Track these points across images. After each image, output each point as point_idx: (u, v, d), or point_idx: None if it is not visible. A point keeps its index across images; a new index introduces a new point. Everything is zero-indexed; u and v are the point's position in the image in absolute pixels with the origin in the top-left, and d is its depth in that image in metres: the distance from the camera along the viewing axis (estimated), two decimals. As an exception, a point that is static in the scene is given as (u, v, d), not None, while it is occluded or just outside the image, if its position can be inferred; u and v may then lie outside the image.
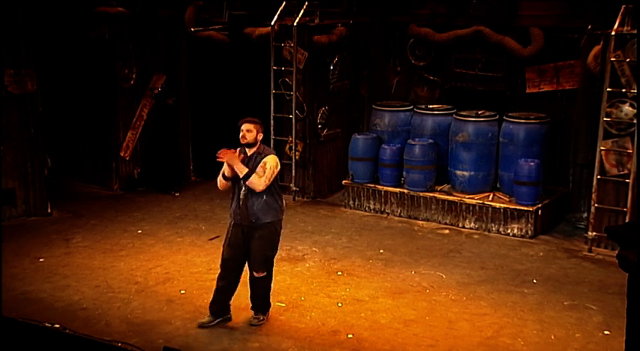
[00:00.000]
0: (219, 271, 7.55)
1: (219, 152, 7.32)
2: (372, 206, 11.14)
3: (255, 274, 7.48)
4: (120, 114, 12.00)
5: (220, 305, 7.59)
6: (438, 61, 11.61)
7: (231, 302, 7.64)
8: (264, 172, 7.24)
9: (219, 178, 7.45)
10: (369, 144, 11.17)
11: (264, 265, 7.45)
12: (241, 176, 7.23)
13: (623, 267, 4.54)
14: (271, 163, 7.32)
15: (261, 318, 7.61)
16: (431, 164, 10.77)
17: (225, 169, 7.35)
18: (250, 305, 7.67)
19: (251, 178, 7.20)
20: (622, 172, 9.43)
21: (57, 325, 7.36)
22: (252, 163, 7.31)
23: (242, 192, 7.32)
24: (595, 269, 9.11)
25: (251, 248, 7.39)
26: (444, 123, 10.93)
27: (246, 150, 7.38)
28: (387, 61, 12.05)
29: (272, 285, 7.68)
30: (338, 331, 7.50)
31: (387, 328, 7.56)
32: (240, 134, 7.34)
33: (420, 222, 10.70)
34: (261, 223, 7.32)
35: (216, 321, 7.56)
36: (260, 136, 7.38)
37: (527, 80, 10.95)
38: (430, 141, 10.81)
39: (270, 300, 7.71)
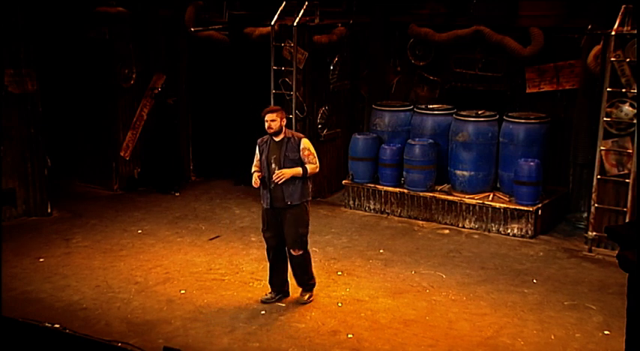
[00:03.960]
0: (266, 253, 8.11)
1: (255, 184, 7.85)
2: (372, 206, 11.14)
3: (292, 252, 7.92)
4: (120, 114, 12.00)
5: (279, 282, 8.13)
6: (438, 61, 11.62)
7: (288, 279, 8.16)
8: (312, 156, 7.86)
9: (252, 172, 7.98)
10: (369, 144, 11.17)
11: (299, 242, 7.90)
12: (301, 176, 7.77)
13: (623, 267, 4.55)
14: (310, 146, 7.91)
15: (308, 295, 8.10)
16: (431, 164, 10.77)
17: (255, 178, 7.85)
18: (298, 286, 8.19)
19: (309, 170, 7.82)
20: (622, 172, 9.43)
21: (57, 325, 7.36)
22: (284, 147, 7.79)
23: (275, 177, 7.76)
24: (595, 269, 9.11)
25: (284, 227, 7.88)
26: (444, 123, 10.93)
27: (274, 138, 7.83)
28: (387, 61, 12.05)
29: (312, 263, 8.14)
30: (338, 331, 7.50)
31: (387, 328, 7.56)
32: (266, 125, 7.79)
33: (420, 222, 10.70)
34: (295, 204, 7.79)
35: (277, 297, 8.11)
36: (284, 122, 7.85)
37: (527, 80, 10.94)
38: (430, 141, 10.81)
39: (314, 278, 8.20)
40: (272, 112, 7.81)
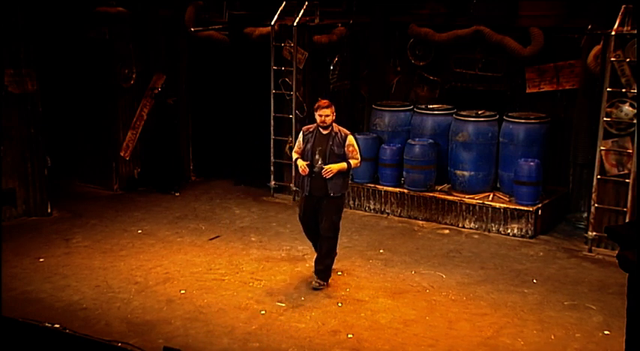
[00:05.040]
0: (306, 237, 8.71)
1: (303, 172, 8.26)
2: (372, 206, 11.14)
3: (323, 233, 8.38)
4: (120, 114, 12.00)
5: None
6: (438, 61, 11.62)
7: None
8: (356, 153, 8.32)
9: (293, 158, 8.52)
10: (369, 144, 11.16)
11: (332, 228, 8.40)
12: (345, 170, 8.26)
13: (623, 267, 4.55)
14: (355, 143, 8.37)
15: (322, 283, 8.45)
16: (431, 164, 10.77)
17: (300, 164, 8.28)
18: (314, 271, 8.61)
19: (352, 165, 8.31)
20: (622, 172, 9.43)
21: (57, 325, 7.36)
22: (332, 140, 8.23)
23: (317, 167, 8.23)
24: (595, 269, 9.11)
25: (321, 214, 8.34)
26: (444, 123, 10.94)
27: (321, 129, 8.26)
28: (387, 61, 12.05)
29: (336, 253, 8.60)
30: (338, 331, 7.50)
31: (387, 328, 7.56)
32: (320, 119, 8.24)
33: (420, 222, 10.70)
34: (337, 195, 8.28)
35: None
36: (334, 116, 8.32)
37: (527, 80, 10.95)
38: (430, 141, 10.81)
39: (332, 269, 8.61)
40: (326, 108, 8.23)
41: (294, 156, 8.47)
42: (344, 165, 8.23)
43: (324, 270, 8.50)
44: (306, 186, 8.30)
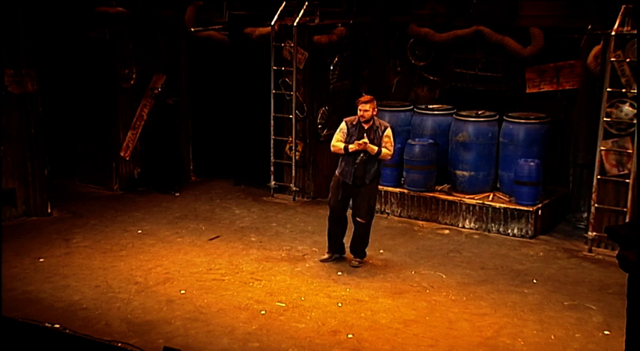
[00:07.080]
0: (328, 217, 9.11)
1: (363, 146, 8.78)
2: (372, 206, 11.13)
3: (359, 219, 8.99)
4: (120, 114, 11.99)
5: (336, 243, 9.20)
6: (438, 61, 11.61)
7: (345, 242, 9.22)
8: (390, 144, 8.87)
9: (339, 147, 8.89)
10: (369, 144, 11.16)
11: (368, 213, 9.04)
12: (373, 154, 8.78)
13: (623, 267, 4.54)
14: (391, 136, 8.92)
15: (361, 261, 9.12)
16: (431, 164, 10.76)
17: (351, 147, 8.77)
18: (350, 253, 9.23)
19: (382, 153, 8.83)
20: (622, 172, 9.43)
21: (57, 325, 7.36)
22: (372, 133, 8.81)
23: (359, 158, 8.78)
24: (595, 269, 9.11)
25: (357, 200, 8.97)
26: (444, 123, 10.94)
27: (363, 124, 8.81)
28: (387, 61, 12.05)
29: (370, 234, 9.18)
30: (338, 331, 7.50)
31: (387, 328, 7.56)
32: (360, 113, 8.81)
33: (420, 222, 10.70)
34: (372, 181, 8.92)
35: (333, 256, 9.20)
36: (375, 112, 8.90)
37: (527, 80, 10.95)
38: (430, 141, 10.81)
39: (367, 250, 9.22)
40: (366, 103, 8.78)
41: (341, 145, 8.85)
42: (375, 148, 8.77)
43: (360, 251, 9.14)
44: (350, 175, 8.82)
